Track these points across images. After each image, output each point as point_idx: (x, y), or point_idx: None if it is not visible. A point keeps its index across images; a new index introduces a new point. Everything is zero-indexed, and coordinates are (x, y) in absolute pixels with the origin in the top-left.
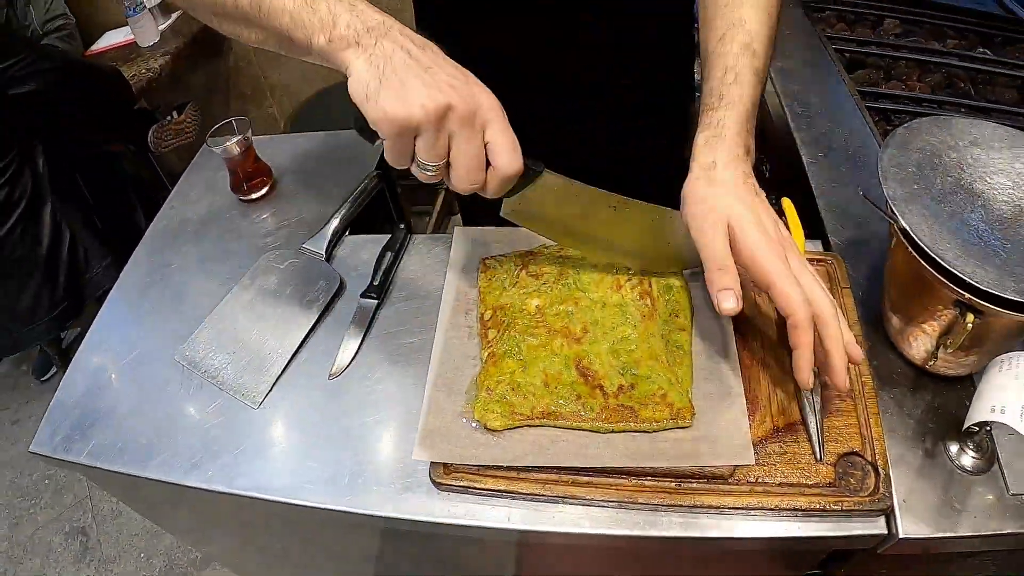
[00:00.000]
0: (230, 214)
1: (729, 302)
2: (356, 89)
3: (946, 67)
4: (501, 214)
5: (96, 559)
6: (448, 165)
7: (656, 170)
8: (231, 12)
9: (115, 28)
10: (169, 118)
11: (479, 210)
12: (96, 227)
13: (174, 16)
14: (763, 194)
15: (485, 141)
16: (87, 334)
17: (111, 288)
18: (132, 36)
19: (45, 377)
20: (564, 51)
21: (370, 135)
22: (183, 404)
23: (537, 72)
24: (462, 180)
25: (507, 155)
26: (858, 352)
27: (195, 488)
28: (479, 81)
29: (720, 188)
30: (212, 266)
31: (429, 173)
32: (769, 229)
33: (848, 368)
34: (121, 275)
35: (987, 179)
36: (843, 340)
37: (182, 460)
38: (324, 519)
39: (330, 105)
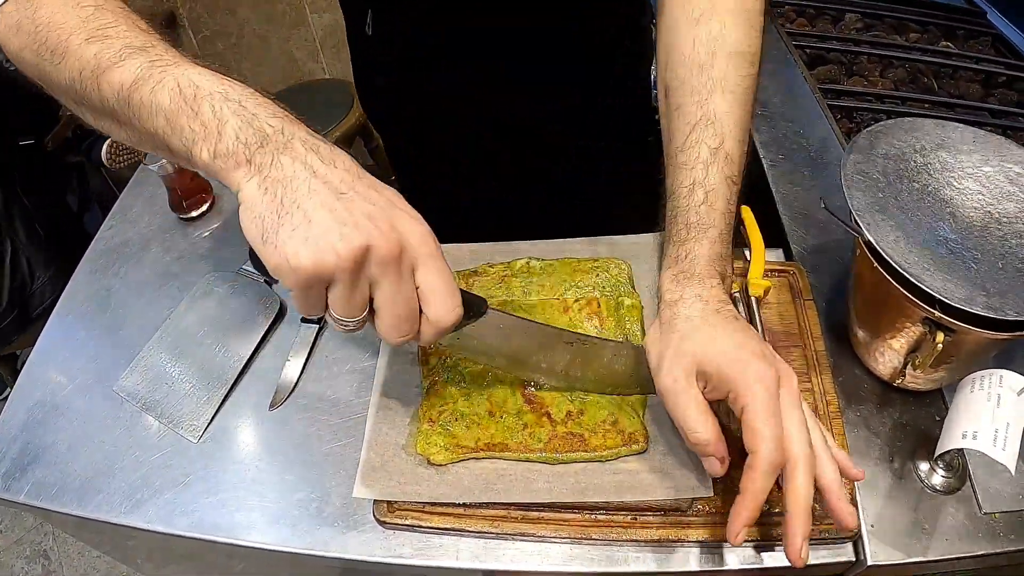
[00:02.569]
0: (170, 234)
1: (714, 468)
2: (249, 225)
3: (909, 62)
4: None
5: None
6: (372, 312)
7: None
8: (94, 104)
9: None
10: None
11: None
12: (38, 235)
13: None
14: (740, 317)
15: (416, 285)
16: (26, 364)
17: (56, 299)
18: None
19: (1, 397)
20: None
21: (269, 274)
22: (124, 438)
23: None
24: (390, 333)
25: (444, 304)
26: (846, 516)
27: (136, 528)
28: (406, 204)
29: (686, 327)
30: (152, 290)
31: (348, 327)
32: (748, 357)
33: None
34: (60, 300)
35: (955, 184)
36: (808, 500)
37: (122, 498)
38: (273, 557)
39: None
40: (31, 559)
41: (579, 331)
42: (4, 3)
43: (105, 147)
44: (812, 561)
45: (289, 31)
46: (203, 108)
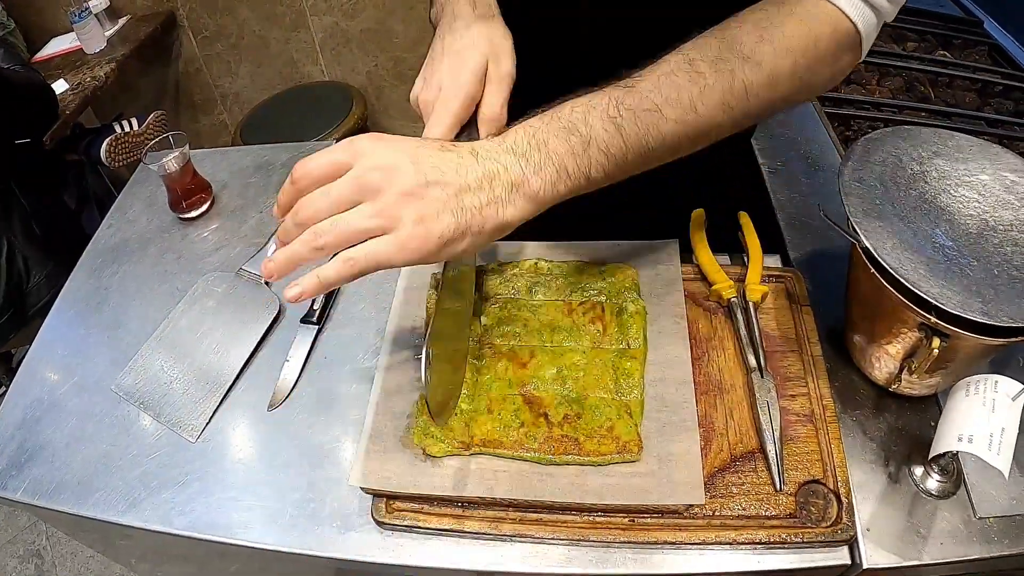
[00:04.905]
0: (169, 233)
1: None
2: None
3: (906, 70)
4: None
5: None
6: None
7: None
8: None
9: (61, 34)
10: (126, 129)
11: None
12: (35, 234)
13: (121, 22)
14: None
15: None
16: (24, 362)
17: (54, 298)
18: (78, 43)
19: None
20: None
21: None
22: (121, 437)
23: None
24: None
25: None
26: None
27: (133, 527)
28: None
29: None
30: (151, 289)
31: None
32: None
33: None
34: (59, 299)
35: (952, 192)
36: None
37: (120, 497)
38: (269, 557)
39: (281, 112)
40: (24, 559)
41: (582, 333)
42: None
43: (104, 145)
44: (808, 564)
45: (289, 33)
46: None
